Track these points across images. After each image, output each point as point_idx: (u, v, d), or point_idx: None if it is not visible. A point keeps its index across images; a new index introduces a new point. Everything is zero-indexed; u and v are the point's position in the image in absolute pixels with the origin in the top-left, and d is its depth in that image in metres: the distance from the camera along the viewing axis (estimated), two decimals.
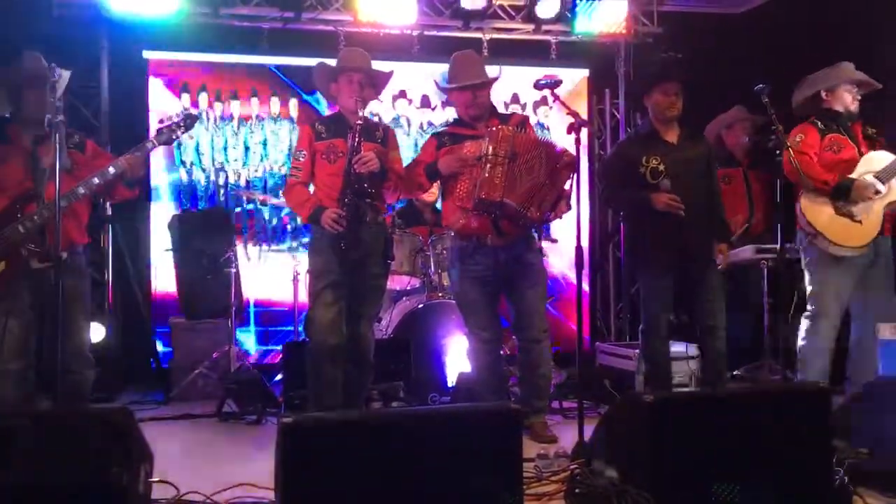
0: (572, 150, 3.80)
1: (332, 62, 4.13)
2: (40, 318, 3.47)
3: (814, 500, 2.64)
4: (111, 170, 3.60)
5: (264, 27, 6.24)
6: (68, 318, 3.73)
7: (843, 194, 4.18)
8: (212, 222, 5.79)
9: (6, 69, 3.58)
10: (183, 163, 6.32)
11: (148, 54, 6.26)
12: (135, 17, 5.78)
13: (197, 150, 6.38)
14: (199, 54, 6.40)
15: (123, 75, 6.11)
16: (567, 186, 4.00)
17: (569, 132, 3.64)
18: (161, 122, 3.80)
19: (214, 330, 5.61)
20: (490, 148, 3.93)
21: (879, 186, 4.19)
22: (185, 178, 6.36)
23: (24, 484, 2.39)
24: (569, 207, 3.97)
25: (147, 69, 6.25)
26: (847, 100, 4.32)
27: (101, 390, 4.11)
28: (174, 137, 3.77)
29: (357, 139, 3.89)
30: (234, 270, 5.48)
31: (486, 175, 3.91)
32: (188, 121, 3.80)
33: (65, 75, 3.41)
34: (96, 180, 3.58)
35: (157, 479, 2.81)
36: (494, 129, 4.00)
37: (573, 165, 3.94)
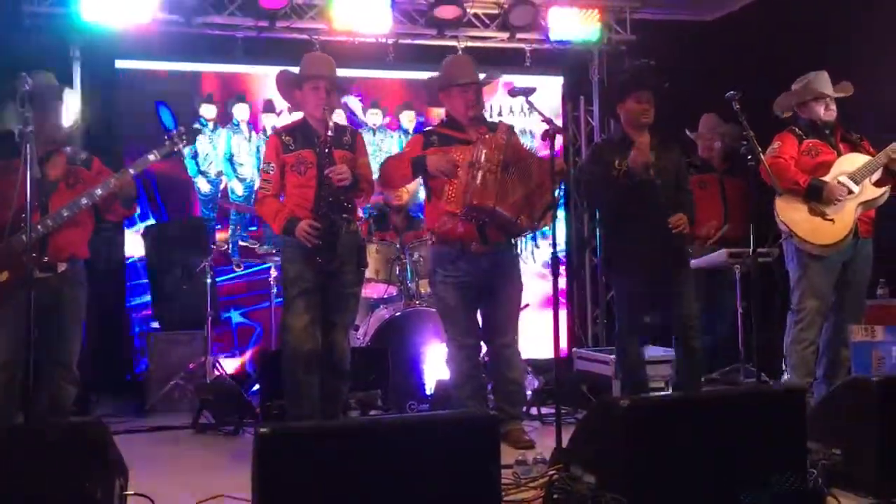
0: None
1: (296, 69, 4.06)
2: (36, 328, 3.43)
3: (788, 502, 2.67)
4: (98, 191, 3.64)
5: (238, 36, 6.22)
6: (62, 329, 3.72)
7: (816, 195, 4.32)
8: (187, 232, 5.75)
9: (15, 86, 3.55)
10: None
11: (120, 64, 6.23)
12: (107, 26, 5.73)
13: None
14: (172, 63, 6.38)
15: (96, 86, 6.05)
16: (556, 195, 3.98)
17: (543, 139, 3.65)
18: (167, 133, 3.82)
19: (190, 341, 5.56)
20: (483, 154, 3.89)
21: (852, 186, 4.34)
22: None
23: None
24: (555, 216, 3.91)
25: (119, 79, 6.22)
26: (819, 112, 4.47)
27: (75, 402, 4.09)
28: (175, 150, 3.78)
29: (328, 149, 3.89)
30: (209, 281, 5.44)
31: (479, 183, 3.87)
32: (191, 134, 3.83)
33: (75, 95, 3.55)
34: (84, 200, 3.63)
35: (132, 493, 2.79)
36: (487, 136, 3.97)
37: (564, 173, 3.95)
